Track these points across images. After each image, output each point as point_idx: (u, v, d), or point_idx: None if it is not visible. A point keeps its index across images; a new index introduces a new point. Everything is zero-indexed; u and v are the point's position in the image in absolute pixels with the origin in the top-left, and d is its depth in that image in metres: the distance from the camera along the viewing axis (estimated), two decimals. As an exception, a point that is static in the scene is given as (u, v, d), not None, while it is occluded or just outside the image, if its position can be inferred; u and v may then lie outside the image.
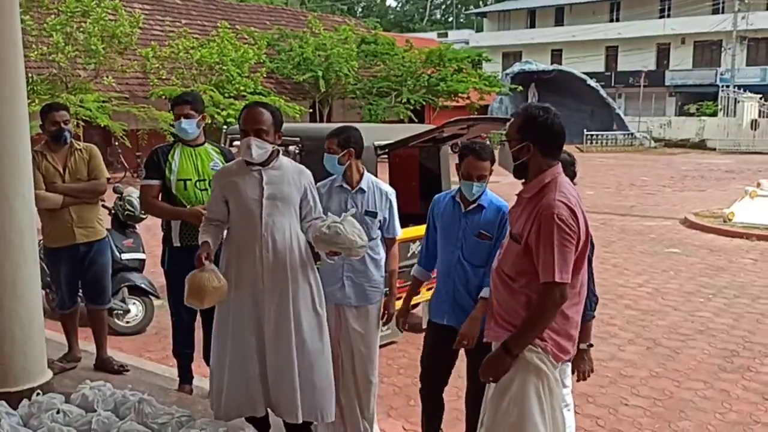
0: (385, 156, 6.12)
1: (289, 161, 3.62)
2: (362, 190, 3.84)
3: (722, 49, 40.52)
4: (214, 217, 3.50)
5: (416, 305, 6.35)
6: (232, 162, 3.67)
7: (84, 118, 16.20)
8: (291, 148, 6.03)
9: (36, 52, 16.84)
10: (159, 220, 4.40)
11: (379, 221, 3.86)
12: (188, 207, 4.10)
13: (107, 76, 18.07)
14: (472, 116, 10.19)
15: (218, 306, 3.45)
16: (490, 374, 2.74)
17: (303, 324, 3.44)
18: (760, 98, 32.19)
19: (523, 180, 2.79)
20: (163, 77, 19.62)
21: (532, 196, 2.72)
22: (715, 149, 31.97)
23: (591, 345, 3.38)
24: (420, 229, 6.12)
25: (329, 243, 3.32)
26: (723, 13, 40.43)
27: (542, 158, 2.71)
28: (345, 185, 3.83)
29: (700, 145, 33.51)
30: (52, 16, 17.33)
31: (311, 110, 25.56)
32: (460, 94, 27.76)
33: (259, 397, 3.47)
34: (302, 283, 3.46)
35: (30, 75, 17.10)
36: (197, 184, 4.14)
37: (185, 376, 4.44)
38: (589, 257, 2.96)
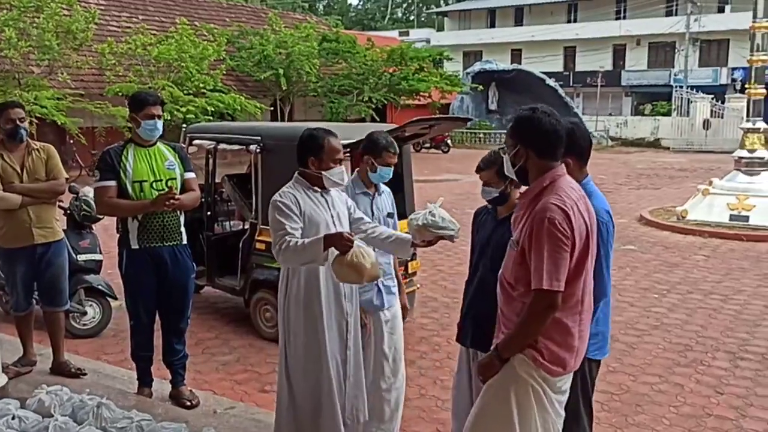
0: (348, 155, 6.11)
1: None
2: (380, 193, 3.96)
3: (675, 50, 41.54)
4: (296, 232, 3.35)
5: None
6: (293, 185, 3.46)
7: (38, 115, 15.79)
8: (252, 147, 5.99)
9: (-13, 48, 16.37)
10: (115, 220, 4.31)
11: None
12: None
13: (62, 73, 17.64)
14: (433, 116, 10.24)
15: (297, 332, 3.42)
16: (482, 375, 2.74)
17: None
18: (712, 98, 33.09)
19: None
20: (120, 74, 19.22)
21: (530, 199, 2.65)
22: (669, 148, 32.73)
23: None
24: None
25: (438, 228, 3.39)
26: (676, 15, 41.41)
27: (539, 160, 2.64)
28: (367, 190, 3.92)
29: (655, 144, 34.31)
30: (4, 11, 16.83)
31: (272, 108, 25.38)
32: (421, 93, 27.89)
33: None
34: None
35: (-19, 71, 16.62)
36: (153, 184, 4.07)
37: (145, 379, 4.38)
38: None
